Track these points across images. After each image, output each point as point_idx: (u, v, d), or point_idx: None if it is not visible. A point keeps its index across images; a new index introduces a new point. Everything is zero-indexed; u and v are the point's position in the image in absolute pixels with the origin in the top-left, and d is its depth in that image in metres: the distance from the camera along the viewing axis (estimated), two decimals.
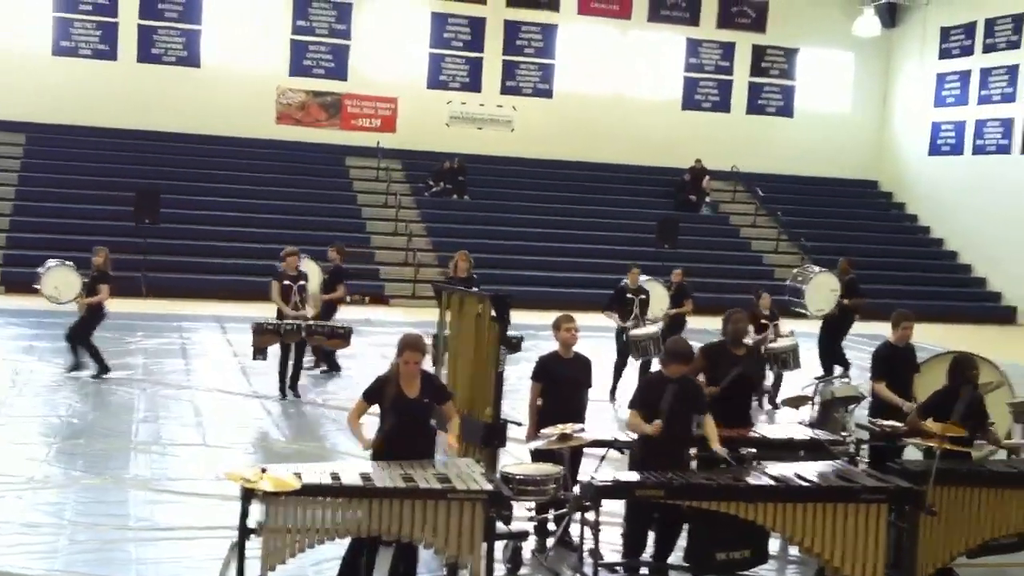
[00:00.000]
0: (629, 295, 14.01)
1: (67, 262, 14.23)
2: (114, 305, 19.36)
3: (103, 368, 13.22)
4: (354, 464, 6.69)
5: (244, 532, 6.02)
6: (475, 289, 11.67)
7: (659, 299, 15.20)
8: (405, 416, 6.68)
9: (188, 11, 26.50)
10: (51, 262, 14.40)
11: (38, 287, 14.21)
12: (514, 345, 12.47)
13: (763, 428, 8.42)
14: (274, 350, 12.77)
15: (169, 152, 25.93)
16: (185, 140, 26.35)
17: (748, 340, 12.89)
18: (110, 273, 13.60)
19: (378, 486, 6.19)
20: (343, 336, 13.14)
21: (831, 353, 15.49)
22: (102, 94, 25.82)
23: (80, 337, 13.30)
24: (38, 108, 25.32)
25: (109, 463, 9.40)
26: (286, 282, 12.85)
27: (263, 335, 12.63)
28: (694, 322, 15.59)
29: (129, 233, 22.30)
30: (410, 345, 6.72)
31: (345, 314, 20.88)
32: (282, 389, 12.68)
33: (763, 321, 13.42)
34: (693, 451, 7.38)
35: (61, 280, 13.87)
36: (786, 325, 14.04)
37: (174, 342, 16.37)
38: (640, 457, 7.22)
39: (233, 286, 21.84)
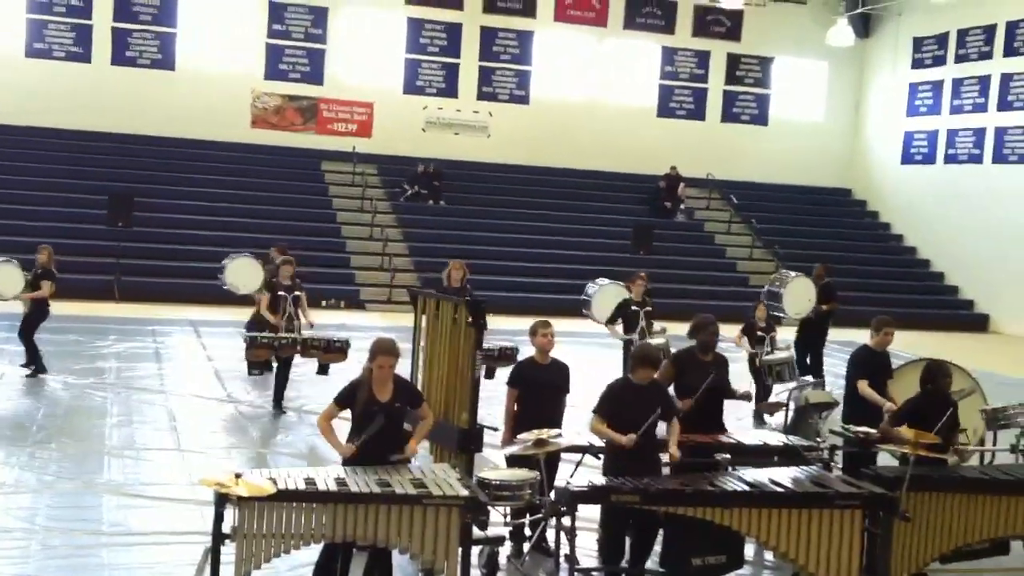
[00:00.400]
0: (634, 307, 13.34)
1: (11, 259, 14.06)
2: (87, 308, 19.35)
3: (40, 368, 13.28)
4: (329, 469, 6.67)
5: (218, 537, 5.99)
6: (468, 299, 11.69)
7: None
8: (377, 419, 6.65)
9: (163, 14, 26.37)
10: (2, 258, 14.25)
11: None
12: (508, 356, 12.14)
13: (737, 434, 8.45)
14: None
15: (144, 155, 25.78)
16: (160, 143, 26.20)
17: (746, 350, 12.98)
18: (54, 271, 13.70)
19: (353, 491, 6.18)
20: (340, 350, 12.51)
21: (807, 361, 15.55)
22: (76, 96, 25.63)
23: (24, 332, 13.42)
24: (11, 109, 25.10)
25: (82, 468, 9.33)
26: (280, 292, 12.38)
27: (257, 349, 12.23)
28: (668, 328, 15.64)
29: (103, 236, 22.17)
30: (383, 350, 6.72)
31: (319, 318, 20.85)
32: (277, 403, 12.19)
33: (759, 332, 13.27)
34: (666, 456, 7.41)
35: (4, 276, 13.71)
36: (782, 335, 13.89)
37: (148, 346, 16.26)
38: (612, 463, 7.24)
39: (207, 290, 21.59)
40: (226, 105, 26.71)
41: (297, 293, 12.45)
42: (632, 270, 23.96)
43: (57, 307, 18.73)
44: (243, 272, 14.80)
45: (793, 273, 16.15)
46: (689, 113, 30.47)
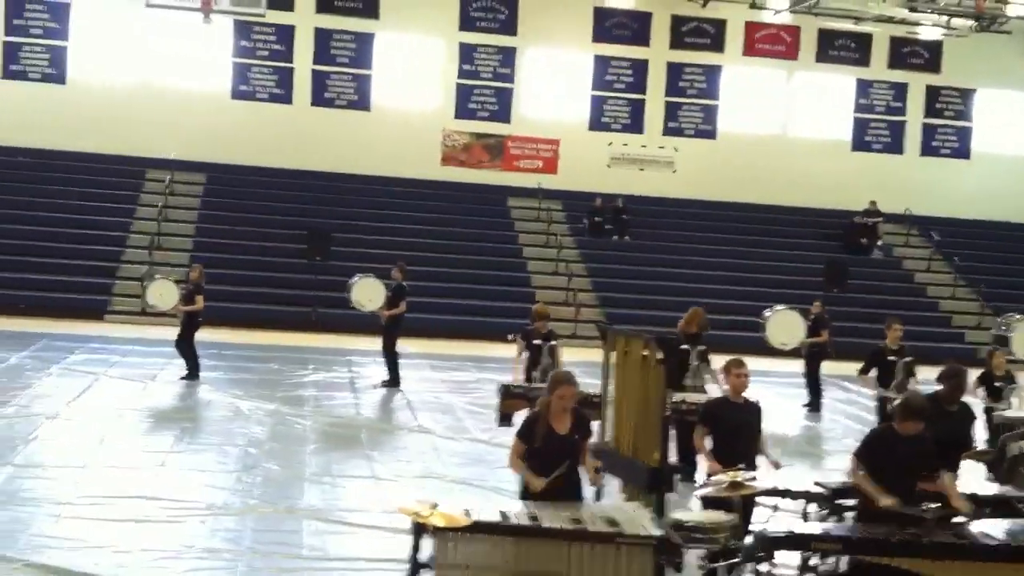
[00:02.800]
0: (891, 356, 11.95)
1: (168, 276, 15.32)
2: (287, 339, 20.21)
3: (193, 374, 14.92)
4: (521, 503, 6.69)
5: (415, 566, 6.10)
6: (702, 347, 11.43)
7: (797, 327, 15.09)
8: (558, 453, 6.66)
9: (359, 57, 27.45)
10: (156, 275, 15.47)
11: (145, 296, 15.82)
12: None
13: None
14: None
15: (340, 192, 26.81)
16: (355, 181, 27.21)
17: (978, 402, 11.89)
18: (203, 286, 15.41)
19: (546, 526, 6.18)
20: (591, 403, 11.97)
21: None
22: (277, 136, 26.95)
23: (181, 341, 15.00)
24: (217, 149, 26.60)
25: (284, 493, 9.69)
26: (536, 341, 11.81)
27: (511, 399, 11.64)
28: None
29: (302, 270, 23.12)
30: (563, 381, 6.73)
31: (507, 352, 21.11)
32: None
33: (997, 384, 11.62)
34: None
35: (164, 291, 15.04)
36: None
37: (343, 376, 16.82)
38: (866, 513, 6.94)
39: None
40: (417, 143, 27.51)
41: (553, 343, 11.94)
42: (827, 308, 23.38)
43: (259, 336, 19.72)
44: (368, 291, 15.44)
45: (1018, 315, 15.25)
46: (886, 147, 29.51)
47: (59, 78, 26.19)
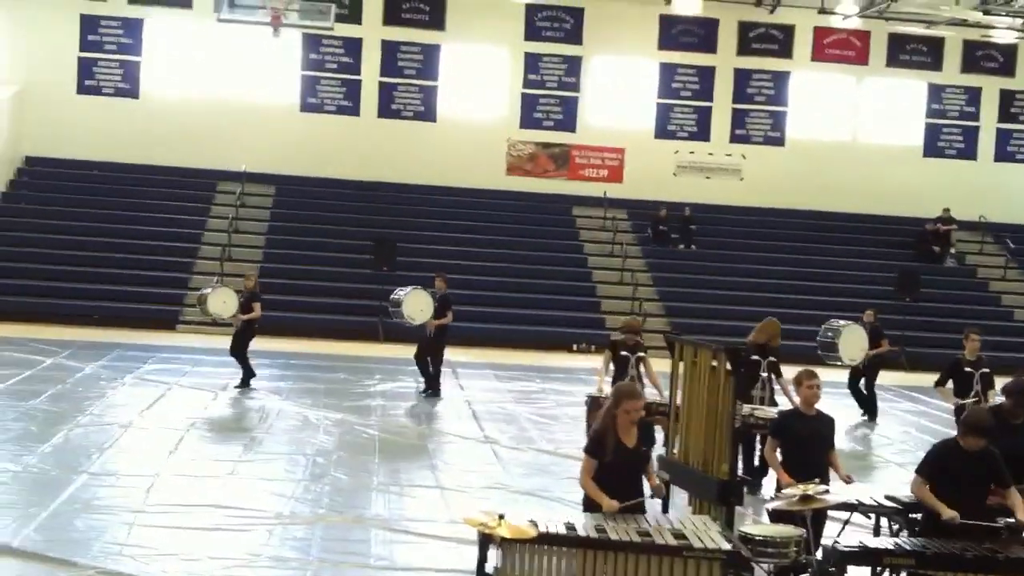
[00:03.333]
0: (968, 368, 11.61)
1: (228, 285, 15.60)
2: (354, 348, 20.38)
3: (247, 380, 15.36)
4: (588, 515, 6.65)
5: None
6: (772, 359, 11.22)
7: (863, 340, 14.92)
8: (626, 467, 6.63)
9: (425, 68, 27.63)
10: (215, 282, 15.71)
11: (205, 304, 15.99)
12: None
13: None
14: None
15: (406, 203, 26.98)
16: (421, 191, 27.37)
17: None
18: (259, 294, 15.95)
19: (614, 539, 6.14)
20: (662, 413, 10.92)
21: None
22: (345, 147, 27.22)
23: (237, 348, 15.44)
24: (286, 161, 26.94)
25: (351, 502, 9.75)
26: (623, 353, 11.72)
27: (599, 411, 11.59)
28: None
29: (369, 280, 23.28)
30: (629, 394, 6.67)
31: (572, 362, 21.10)
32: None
33: None
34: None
35: (226, 299, 15.33)
36: None
37: (409, 386, 16.88)
38: (929, 528, 6.81)
39: (466, 332, 22.37)
40: (483, 154, 27.61)
41: (641, 354, 11.73)
42: (897, 318, 23.08)
43: (326, 346, 19.88)
44: (418, 303, 15.44)
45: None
46: (959, 152, 28.95)
47: (132, 93, 26.75)
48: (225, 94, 26.96)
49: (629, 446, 6.66)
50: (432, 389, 15.86)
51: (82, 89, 26.59)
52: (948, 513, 6.56)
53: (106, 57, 26.66)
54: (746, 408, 10.29)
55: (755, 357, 11.11)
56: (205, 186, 26.80)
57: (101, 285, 23.07)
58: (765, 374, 11.19)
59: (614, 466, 6.61)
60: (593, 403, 10.99)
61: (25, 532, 8.18)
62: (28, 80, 26.39)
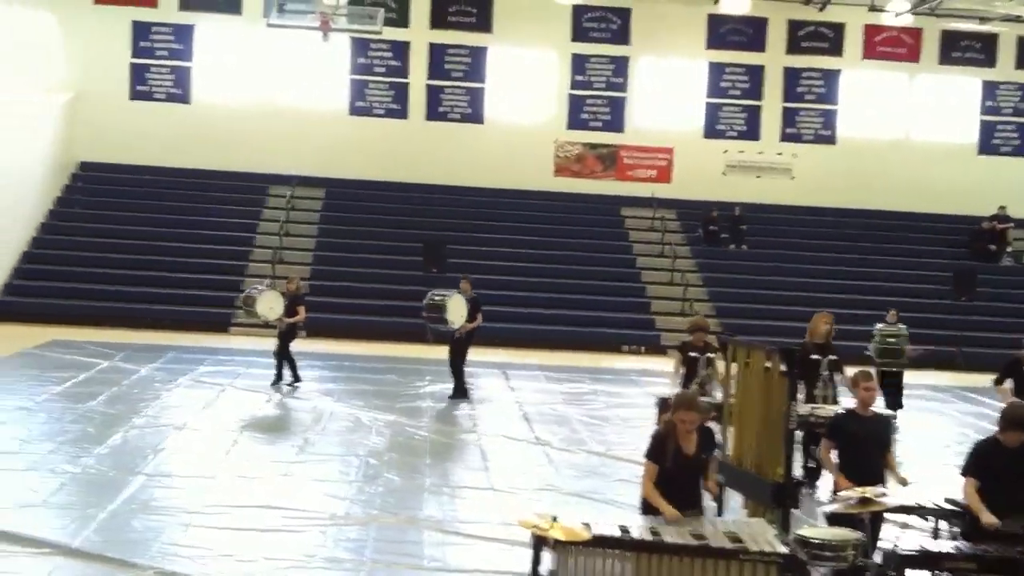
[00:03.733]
0: None
1: (274, 287, 15.67)
2: (402, 350, 20.46)
3: (297, 378, 15.69)
4: (642, 518, 6.62)
5: None
6: (833, 357, 11.06)
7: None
8: (685, 473, 6.61)
9: (473, 71, 27.69)
10: (263, 285, 15.74)
11: (252, 306, 15.84)
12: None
13: None
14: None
15: (454, 204, 27.06)
16: (469, 193, 27.43)
17: None
18: (303, 296, 16.22)
19: (668, 542, 6.10)
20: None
21: None
22: (393, 150, 27.35)
23: (284, 350, 15.68)
24: (336, 164, 27.13)
25: (404, 503, 9.79)
26: (692, 354, 11.59)
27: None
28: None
29: (418, 282, 23.33)
30: (685, 404, 6.64)
31: (622, 363, 21.04)
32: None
33: None
34: None
35: (273, 301, 15.40)
36: None
37: None
38: (972, 530, 6.72)
39: (512, 334, 22.43)
40: (530, 155, 27.61)
41: (710, 355, 11.58)
42: (952, 318, 22.73)
43: (377, 348, 19.98)
44: (460, 308, 15.24)
45: None
46: (1015, 149, 28.48)
47: (183, 98, 27.09)
48: (275, 99, 27.21)
49: (688, 453, 6.65)
50: (461, 392, 15.64)
51: (134, 95, 26.96)
52: (988, 519, 6.47)
53: (158, 63, 27.02)
54: (806, 408, 10.18)
55: (815, 356, 10.99)
56: (256, 190, 27.07)
57: (155, 288, 23.38)
58: (826, 372, 11.06)
59: (672, 472, 6.62)
60: (663, 405, 10.66)
61: (84, 533, 8.30)
62: (82, 87, 26.82)
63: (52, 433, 11.90)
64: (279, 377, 15.81)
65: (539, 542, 6.07)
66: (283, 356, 15.82)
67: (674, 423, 6.66)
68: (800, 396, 9.66)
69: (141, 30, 26.91)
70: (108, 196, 26.43)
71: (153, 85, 27.09)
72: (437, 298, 15.63)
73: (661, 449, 6.67)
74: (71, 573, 7.49)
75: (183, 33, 27.02)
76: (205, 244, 24.80)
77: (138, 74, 26.99)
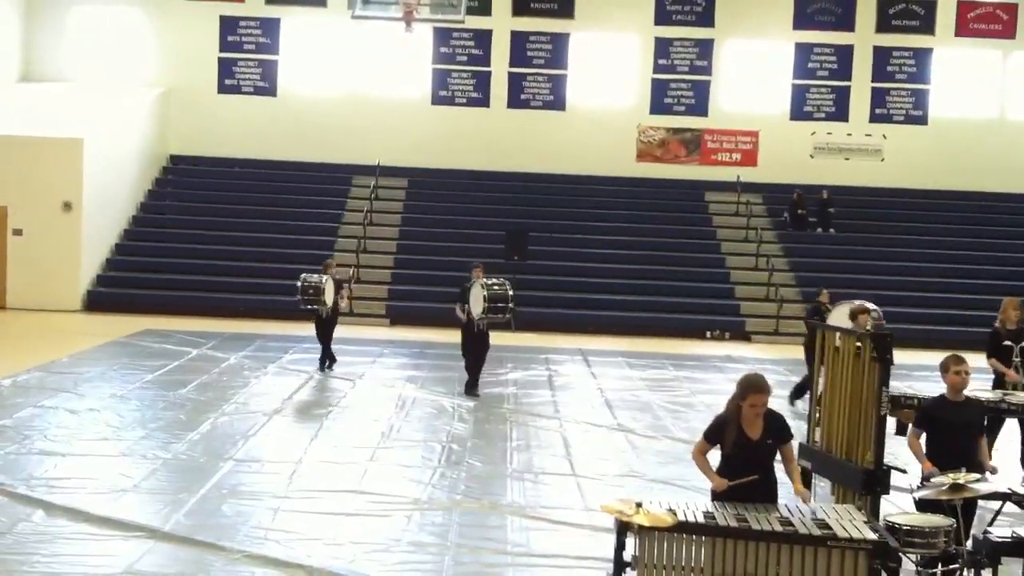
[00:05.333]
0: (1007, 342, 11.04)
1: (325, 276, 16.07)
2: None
3: (332, 360, 16.03)
4: (728, 504, 6.52)
5: (620, 565, 6.04)
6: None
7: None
8: (747, 458, 6.50)
9: (555, 57, 27.61)
10: (314, 277, 15.88)
11: (322, 295, 15.77)
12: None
13: None
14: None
15: (536, 192, 27.05)
16: (551, 180, 27.39)
17: None
18: (342, 281, 16.51)
19: (754, 528, 6.01)
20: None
21: None
22: (476, 138, 27.43)
23: (329, 338, 15.97)
24: (418, 154, 27.30)
25: (487, 489, 9.81)
26: (1006, 343, 10.74)
27: (899, 409, 10.04)
28: None
29: (500, 270, 23.36)
30: (754, 387, 6.49)
31: (706, 350, 20.82)
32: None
33: None
34: None
35: (331, 289, 15.80)
36: None
37: (542, 374, 16.94)
38: None
39: (594, 320, 22.37)
40: (613, 141, 27.45)
41: None
42: None
43: (458, 336, 20.04)
44: (479, 296, 14.70)
45: None
46: None
47: (270, 91, 27.49)
48: (359, 90, 27.49)
49: (752, 438, 6.53)
50: (475, 388, 14.59)
51: (223, 88, 27.46)
52: None
53: (245, 57, 27.46)
54: (996, 394, 10.18)
55: (1007, 343, 10.92)
56: (341, 180, 27.39)
57: (242, 278, 23.81)
58: (1018, 359, 10.88)
59: (735, 457, 6.53)
60: (895, 402, 9.89)
61: (175, 517, 8.49)
62: (172, 81, 27.43)
63: (144, 420, 12.19)
64: (333, 359, 16.13)
65: (623, 528, 6.03)
66: (329, 340, 16.05)
67: (738, 407, 6.55)
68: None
69: (229, 25, 27.37)
70: (197, 188, 27.00)
71: (240, 79, 27.54)
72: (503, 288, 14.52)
73: (720, 432, 6.61)
74: (163, 556, 7.65)
75: (269, 27, 27.41)
76: (291, 234, 25.17)
77: (226, 68, 27.46)
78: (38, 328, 20.14)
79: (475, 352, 14.64)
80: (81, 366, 15.59)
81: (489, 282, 14.35)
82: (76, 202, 22.86)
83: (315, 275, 16.01)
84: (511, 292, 14.41)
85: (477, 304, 14.24)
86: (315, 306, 15.80)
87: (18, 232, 22.71)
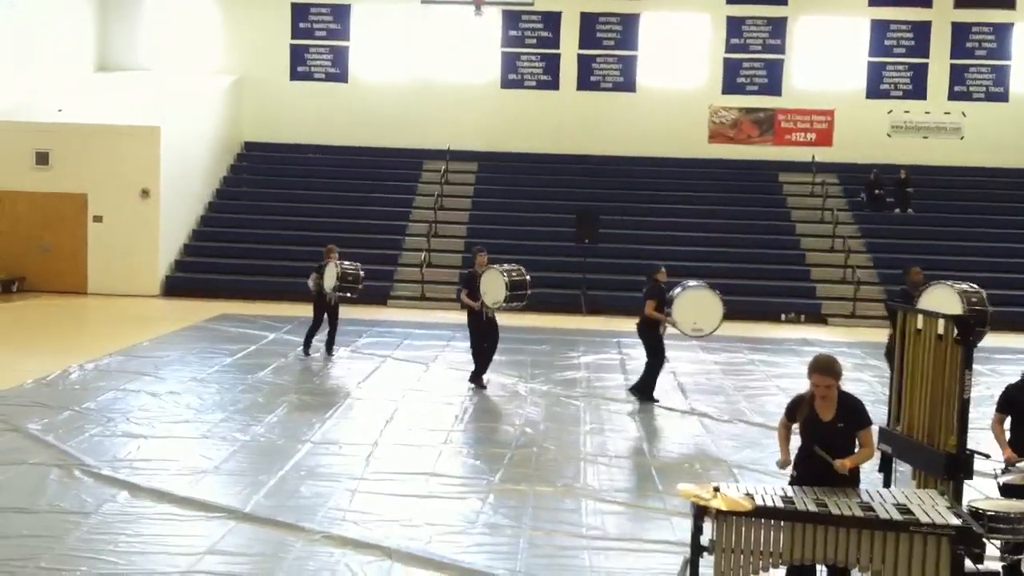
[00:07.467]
0: None
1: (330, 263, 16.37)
2: (557, 321, 20.52)
3: (309, 347, 15.89)
4: (807, 489, 6.44)
5: (697, 549, 6.01)
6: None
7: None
8: (815, 439, 6.42)
9: (624, 39, 27.37)
10: (351, 266, 16.18)
11: (359, 283, 16.17)
12: None
13: None
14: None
15: (607, 175, 26.91)
16: (621, 162, 27.23)
17: None
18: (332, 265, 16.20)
19: (834, 513, 5.92)
20: None
21: None
22: (546, 121, 27.38)
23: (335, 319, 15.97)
24: (488, 138, 27.33)
25: (561, 473, 9.82)
26: None
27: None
28: None
29: (571, 253, 23.37)
30: (819, 368, 6.41)
31: (781, 333, 20.56)
32: None
33: None
34: None
35: (331, 274, 15.96)
36: None
37: (614, 357, 16.89)
38: None
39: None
40: (684, 122, 27.21)
41: None
42: None
43: (530, 319, 20.07)
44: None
45: None
46: None
47: (342, 77, 27.68)
48: (429, 75, 27.58)
49: (823, 419, 6.45)
50: (481, 381, 13.99)
51: (295, 75, 27.70)
52: None
53: (316, 43, 27.68)
54: None
55: None
56: (412, 165, 27.53)
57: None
58: None
59: (804, 436, 6.49)
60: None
61: (255, 498, 8.63)
62: (245, 69, 27.79)
63: (223, 403, 12.41)
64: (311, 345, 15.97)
65: (700, 512, 5.99)
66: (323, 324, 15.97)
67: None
68: None
69: (300, 12, 27.59)
70: (271, 175, 27.34)
71: (312, 65, 27.77)
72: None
73: (795, 408, 6.60)
74: (244, 537, 7.79)
75: (340, 14, 27.58)
76: (363, 219, 25.38)
77: (297, 55, 27.71)
78: (118, 313, 20.59)
79: (489, 341, 13.91)
80: (161, 350, 15.92)
81: (507, 268, 13.95)
82: (154, 189, 23.30)
83: (351, 263, 16.31)
84: (528, 277, 14.03)
85: (497, 292, 13.62)
86: (351, 294, 16.01)
87: (98, 219, 23.25)
